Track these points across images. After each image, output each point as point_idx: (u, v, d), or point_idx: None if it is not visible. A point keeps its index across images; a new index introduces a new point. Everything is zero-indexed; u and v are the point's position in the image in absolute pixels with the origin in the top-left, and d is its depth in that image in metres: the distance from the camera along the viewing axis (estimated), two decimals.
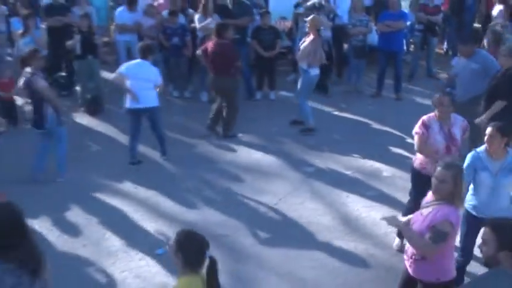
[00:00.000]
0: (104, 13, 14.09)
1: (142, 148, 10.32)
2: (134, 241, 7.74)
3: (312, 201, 8.79)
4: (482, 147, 6.28)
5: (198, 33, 12.61)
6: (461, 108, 8.14)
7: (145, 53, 9.79)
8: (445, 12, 15.44)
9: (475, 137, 8.23)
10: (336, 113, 12.25)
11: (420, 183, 6.76)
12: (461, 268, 6.31)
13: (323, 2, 13.56)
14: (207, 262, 4.33)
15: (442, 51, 16.33)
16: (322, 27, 12.03)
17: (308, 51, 10.90)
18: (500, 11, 14.02)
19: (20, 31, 11.64)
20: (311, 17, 11.32)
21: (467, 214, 6.34)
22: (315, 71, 11.15)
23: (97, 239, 7.81)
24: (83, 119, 11.79)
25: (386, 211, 8.37)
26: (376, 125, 11.75)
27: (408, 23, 13.90)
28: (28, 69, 8.99)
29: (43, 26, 12.26)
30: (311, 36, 10.95)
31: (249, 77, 12.97)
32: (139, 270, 7.14)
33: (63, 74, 12.86)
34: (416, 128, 7.04)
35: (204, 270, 4.36)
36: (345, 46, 14.07)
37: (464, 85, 9.72)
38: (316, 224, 8.16)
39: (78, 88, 12.79)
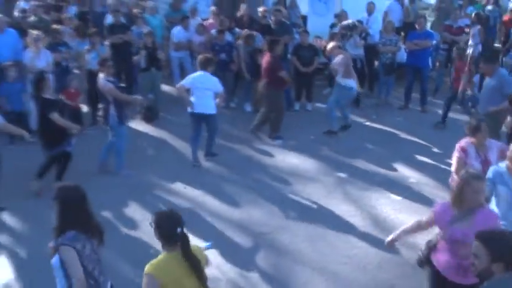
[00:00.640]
0: (160, 32, 14.23)
1: (197, 153, 10.40)
2: None
3: (344, 203, 8.77)
4: (503, 163, 6.14)
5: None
6: None
7: (205, 65, 9.91)
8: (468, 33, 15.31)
9: None
10: (368, 123, 12.20)
11: None
12: None
13: (356, 23, 13.57)
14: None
15: None
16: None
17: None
18: None
19: (87, 47, 11.84)
20: (330, 46, 11.33)
21: None
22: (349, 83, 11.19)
23: (149, 233, 7.86)
24: (139, 125, 11.92)
25: (412, 213, 8.36)
26: (403, 135, 11.67)
27: (434, 42, 13.82)
28: (101, 76, 9.34)
29: (106, 42, 12.43)
30: (340, 55, 11.04)
31: (288, 90, 12.97)
32: None
33: (123, 85, 13.04)
34: (456, 152, 6.86)
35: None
36: (376, 63, 14.03)
37: (485, 100, 9.64)
38: (348, 224, 8.13)
39: (151, 96, 12.96)
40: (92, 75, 11.43)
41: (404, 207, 8.63)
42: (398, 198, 8.95)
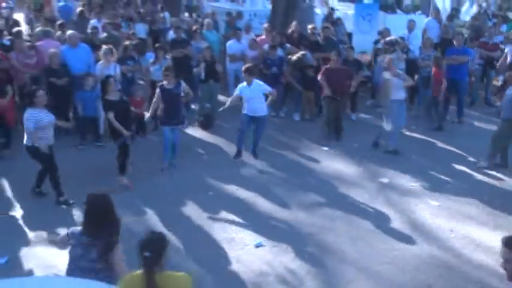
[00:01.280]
0: (217, 46, 14.36)
1: (246, 160, 10.46)
2: (236, 233, 7.83)
3: (385, 207, 8.67)
4: None
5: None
6: None
7: (252, 73, 10.04)
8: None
9: None
10: (407, 133, 12.03)
11: None
12: None
13: (398, 39, 13.46)
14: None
15: (498, 83, 15.81)
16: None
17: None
18: None
19: (152, 60, 12.03)
20: (387, 59, 11.21)
21: None
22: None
23: (205, 230, 7.96)
24: (196, 132, 12.01)
25: (449, 219, 8.25)
26: (441, 144, 11.48)
27: (470, 57, 13.59)
28: (165, 83, 9.74)
29: (168, 56, 12.61)
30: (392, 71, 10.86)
31: None
32: (240, 258, 7.21)
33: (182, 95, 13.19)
34: None
35: None
36: (416, 77, 13.83)
37: (506, 107, 9.95)
38: (388, 227, 8.03)
39: (193, 106, 13.11)
40: (154, 85, 11.63)
41: (441, 213, 8.48)
42: (436, 204, 8.80)
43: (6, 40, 12.72)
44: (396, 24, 16.22)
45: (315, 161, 10.54)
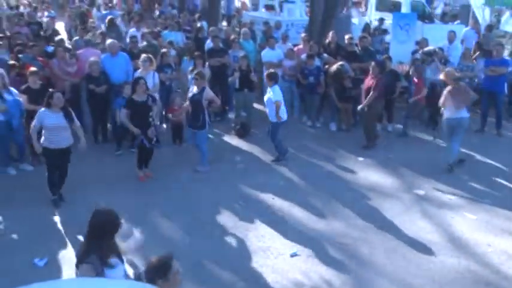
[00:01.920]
0: (253, 56, 14.44)
1: (282, 169, 10.53)
2: (271, 242, 7.87)
3: (421, 220, 8.60)
4: None
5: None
6: None
7: (276, 79, 10.56)
8: None
9: None
10: (444, 145, 11.88)
11: None
12: None
13: (437, 49, 13.36)
14: None
15: None
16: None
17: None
18: None
19: (190, 68, 12.16)
20: (444, 72, 11.05)
21: None
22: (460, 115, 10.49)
23: (241, 238, 8.02)
24: (233, 140, 12.10)
25: (486, 233, 8.13)
26: (479, 157, 11.33)
27: (510, 68, 13.38)
28: (195, 89, 10.08)
29: (206, 65, 12.75)
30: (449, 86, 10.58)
31: None
32: (276, 267, 7.24)
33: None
34: None
35: None
36: None
37: None
38: (424, 240, 7.97)
39: (230, 115, 13.22)
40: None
41: (479, 227, 8.38)
42: (473, 217, 8.70)
43: (49, 47, 13.05)
44: (434, 34, 16.12)
45: (350, 172, 10.51)
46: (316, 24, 16.27)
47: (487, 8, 19.76)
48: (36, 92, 9.86)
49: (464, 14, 23.03)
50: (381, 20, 19.53)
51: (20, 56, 11.73)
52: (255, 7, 25.37)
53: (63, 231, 8.18)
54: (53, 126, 8.50)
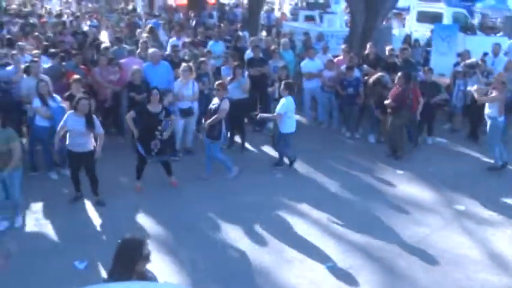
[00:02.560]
0: (292, 66, 14.47)
1: (319, 180, 10.50)
2: (307, 254, 7.83)
3: (460, 236, 8.46)
4: None
5: None
6: None
7: (287, 89, 10.62)
8: None
9: None
10: (485, 159, 11.69)
11: None
12: None
13: (479, 62, 13.21)
14: None
15: None
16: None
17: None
18: None
19: (230, 77, 12.21)
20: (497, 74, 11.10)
21: None
22: (502, 118, 10.91)
23: (278, 249, 8.01)
24: (271, 150, 11.99)
25: None
26: None
27: None
28: (216, 100, 10.38)
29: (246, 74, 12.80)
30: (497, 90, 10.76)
31: (410, 123, 12.78)
32: (312, 279, 7.22)
33: (257, 113, 13.33)
34: None
35: None
36: None
37: None
38: (463, 256, 7.84)
39: (270, 125, 13.23)
40: (231, 103, 11.83)
41: None
42: None
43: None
44: (476, 46, 15.91)
45: (389, 185, 10.41)
46: (357, 35, 16.24)
47: None
48: None
49: (508, 25, 22.70)
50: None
51: (63, 63, 12.01)
52: (295, 17, 25.43)
53: (103, 235, 8.34)
54: (72, 129, 8.87)
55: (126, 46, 14.29)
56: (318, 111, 14.10)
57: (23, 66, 11.24)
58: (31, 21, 21.95)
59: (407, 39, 18.45)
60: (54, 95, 10.17)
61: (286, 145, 10.96)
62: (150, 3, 33.24)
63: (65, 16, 26.51)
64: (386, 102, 11.51)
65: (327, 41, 16.91)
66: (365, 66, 13.62)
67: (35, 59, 12.09)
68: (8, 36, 16.15)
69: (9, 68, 11.27)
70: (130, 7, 33.65)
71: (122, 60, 12.65)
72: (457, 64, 14.06)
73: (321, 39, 16.92)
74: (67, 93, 10.26)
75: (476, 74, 12.85)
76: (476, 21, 25.47)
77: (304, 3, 30.67)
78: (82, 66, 12.16)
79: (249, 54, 14.26)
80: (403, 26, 24.17)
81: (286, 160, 11.09)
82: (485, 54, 14.83)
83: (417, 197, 9.92)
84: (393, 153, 11.71)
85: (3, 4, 29.86)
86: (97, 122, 9.03)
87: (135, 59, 12.82)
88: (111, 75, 12.04)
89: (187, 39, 15.59)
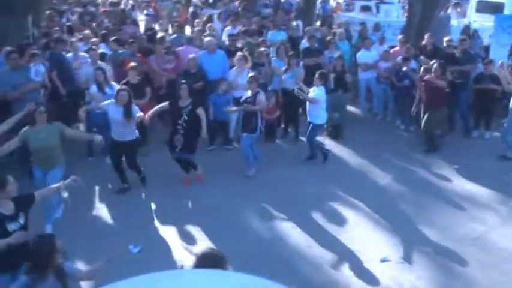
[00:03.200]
0: (348, 56, 14.28)
1: (374, 173, 10.36)
2: (361, 246, 7.74)
3: None
4: None
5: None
6: None
7: (321, 78, 10.61)
8: None
9: None
10: None
11: None
12: None
13: None
14: None
15: None
16: None
17: None
18: None
19: (284, 68, 12.12)
20: None
21: None
22: None
23: (331, 241, 7.93)
24: (324, 141, 11.81)
25: None
26: None
27: None
28: (249, 93, 10.32)
29: (301, 64, 12.70)
30: None
31: (467, 117, 12.45)
32: (365, 271, 7.14)
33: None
34: None
35: None
36: None
37: None
38: None
39: (336, 115, 13.07)
40: (285, 94, 11.78)
41: None
42: None
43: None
44: None
45: (444, 179, 10.17)
46: (414, 25, 15.85)
47: None
48: (135, 86, 10.24)
49: None
50: None
51: (119, 52, 12.18)
52: (350, 7, 25.06)
53: (157, 221, 8.44)
54: (111, 118, 9.13)
55: (185, 34, 14.34)
56: (373, 103, 13.92)
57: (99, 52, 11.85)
58: (90, 10, 22.30)
59: (466, 30, 17.90)
60: (112, 82, 10.34)
61: (315, 136, 10.84)
62: None
63: (122, 4, 26.81)
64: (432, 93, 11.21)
65: (384, 31, 16.61)
66: (422, 57, 13.30)
67: (94, 46, 12.34)
68: (68, 23, 16.46)
69: (68, 55, 11.54)
70: None
71: (179, 48, 12.75)
72: None
73: (377, 29, 16.63)
74: (124, 81, 10.40)
75: None
76: None
77: None
78: (138, 54, 12.30)
79: (304, 44, 14.13)
80: (463, 16, 23.50)
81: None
82: None
83: (473, 193, 9.65)
84: (430, 147, 11.44)
85: None
86: (135, 111, 9.10)
87: (192, 47, 12.88)
88: (167, 64, 12.15)
89: (242, 28, 15.54)
